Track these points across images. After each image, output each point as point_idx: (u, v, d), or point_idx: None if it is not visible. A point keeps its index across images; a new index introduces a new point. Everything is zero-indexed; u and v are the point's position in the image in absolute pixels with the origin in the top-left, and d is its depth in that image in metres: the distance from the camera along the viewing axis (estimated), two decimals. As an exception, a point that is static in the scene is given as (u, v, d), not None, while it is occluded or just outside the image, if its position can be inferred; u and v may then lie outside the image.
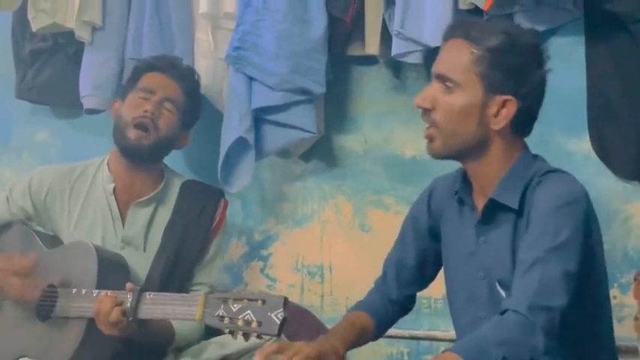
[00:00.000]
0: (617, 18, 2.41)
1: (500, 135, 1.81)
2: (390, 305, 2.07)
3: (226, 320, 1.85)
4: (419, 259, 2.05)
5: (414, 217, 2.07)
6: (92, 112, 2.95)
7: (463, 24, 1.88)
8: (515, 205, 1.79)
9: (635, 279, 2.10)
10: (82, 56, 2.94)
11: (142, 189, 2.42)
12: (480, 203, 1.87)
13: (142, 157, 2.39)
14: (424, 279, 2.08)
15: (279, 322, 1.80)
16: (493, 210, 1.83)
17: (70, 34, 2.92)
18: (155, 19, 2.84)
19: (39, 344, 2.24)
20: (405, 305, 2.10)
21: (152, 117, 2.37)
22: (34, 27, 2.94)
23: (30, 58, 3.12)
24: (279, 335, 1.83)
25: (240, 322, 1.83)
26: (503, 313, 1.66)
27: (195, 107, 2.54)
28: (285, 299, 1.82)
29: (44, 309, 2.25)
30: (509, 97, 1.78)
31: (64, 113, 3.20)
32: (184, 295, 2.18)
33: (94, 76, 2.92)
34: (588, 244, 1.75)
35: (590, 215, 1.78)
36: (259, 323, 1.81)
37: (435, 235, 2.02)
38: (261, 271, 2.94)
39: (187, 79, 2.52)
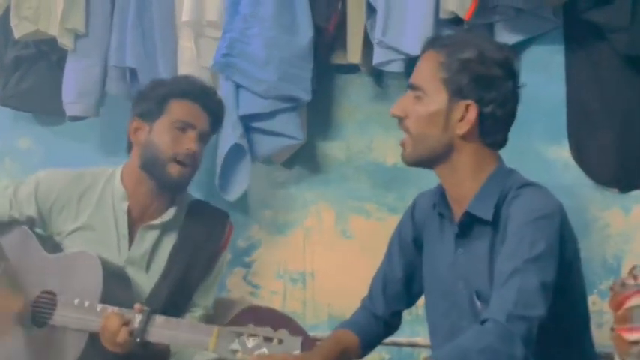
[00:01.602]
0: (597, 27, 2.43)
1: (466, 142, 1.84)
2: (376, 323, 2.07)
3: (239, 355, 1.82)
4: (405, 272, 2.06)
5: (400, 231, 2.09)
6: (75, 119, 2.96)
7: (438, 37, 1.95)
8: (488, 217, 1.81)
9: (611, 289, 2.12)
10: (65, 64, 2.94)
11: (155, 212, 2.37)
12: (458, 216, 1.88)
13: (181, 190, 2.38)
14: (410, 294, 2.08)
15: None
16: (470, 223, 1.85)
17: (53, 41, 2.91)
18: (138, 26, 2.83)
19: (33, 350, 2.22)
20: (390, 323, 2.10)
21: (194, 155, 2.32)
22: (17, 34, 2.93)
23: (13, 65, 3.11)
24: None
25: (254, 358, 1.80)
26: (483, 322, 1.68)
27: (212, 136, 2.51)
28: (303, 340, 1.80)
29: (40, 315, 2.23)
30: (470, 101, 1.81)
31: (47, 120, 3.19)
32: (197, 323, 2.15)
33: (77, 83, 2.91)
34: (564, 256, 1.76)
35: (565, 229, 1.79)
36: None
37: (419, 246, 2.03)
38: (244, 277, 2.94)
39: (216, 111, 2.42)
